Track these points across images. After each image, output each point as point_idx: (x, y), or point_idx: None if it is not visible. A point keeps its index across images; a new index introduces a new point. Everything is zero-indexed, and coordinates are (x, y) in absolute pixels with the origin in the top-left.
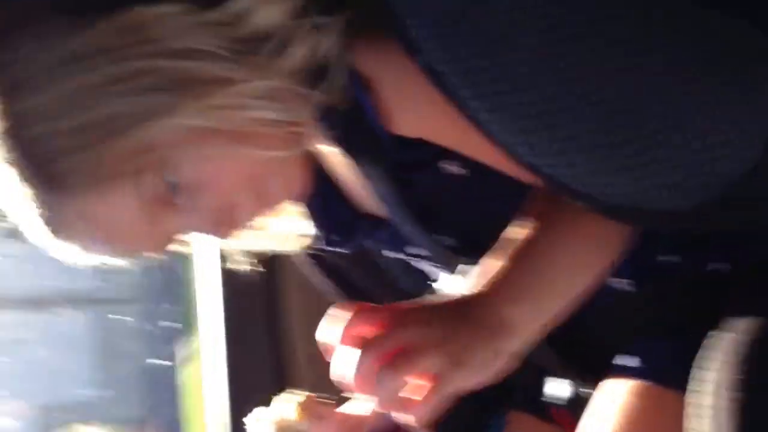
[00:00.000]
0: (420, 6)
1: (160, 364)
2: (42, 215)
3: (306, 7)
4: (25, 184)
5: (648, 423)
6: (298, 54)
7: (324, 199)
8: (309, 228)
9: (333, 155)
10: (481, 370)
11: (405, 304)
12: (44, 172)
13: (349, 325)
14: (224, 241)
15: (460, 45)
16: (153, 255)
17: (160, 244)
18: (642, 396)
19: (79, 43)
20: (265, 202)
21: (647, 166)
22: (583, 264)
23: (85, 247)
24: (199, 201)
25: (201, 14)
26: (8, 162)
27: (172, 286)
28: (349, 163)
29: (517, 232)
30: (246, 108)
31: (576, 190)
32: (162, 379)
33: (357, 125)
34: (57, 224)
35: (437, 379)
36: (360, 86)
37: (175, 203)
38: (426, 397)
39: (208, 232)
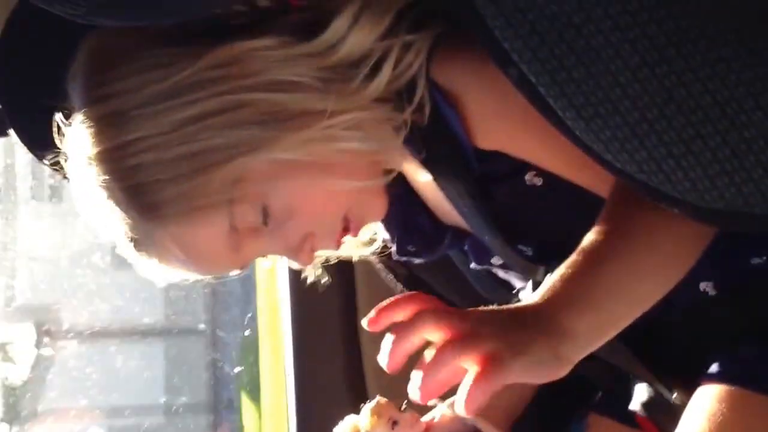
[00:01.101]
0: (511, 18)
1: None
2: (133, 239)
3: (395, 27)
4: (119, 209)
5: (742, 430)
6: (386, 76)
7: (406, 211)
8: (379, 235)
9: (419, 173)
10: (540, 366)
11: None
12: (140, 200)
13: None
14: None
15: (552, 56)
16: (234, 273)
17: (243, 265)
18: (734, 403)
19: (180, 77)
20: (347, 229)
21: (748, 170)
22: (652, 277)
23: (170, 268)
24: (285, 229)
25: (296, 47)
26: (104, 188)
27: (243, 293)
28: (432, 179)
29: (590, 241)
30: (337, 140)
31: (670, 196)
32: (233, 384)
33: (438, 139)
34: (146, 247)
35: (495, 363)
36: (444, 101)
37: (261, 231)
38: (482, 380)
39: (290, 258)
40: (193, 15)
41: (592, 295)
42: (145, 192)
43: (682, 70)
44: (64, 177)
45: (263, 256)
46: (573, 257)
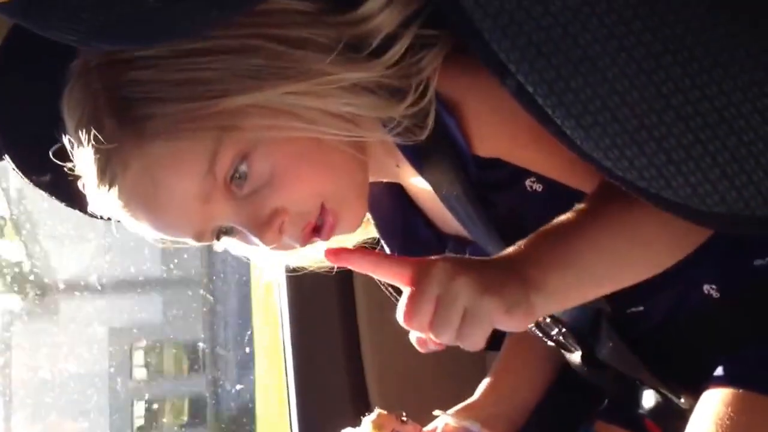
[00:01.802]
0: (507, 30)
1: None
2: (104, 163)
3: (414, 17)
4: (102, 122)
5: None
6: (396, 55)
7: (406, 221)
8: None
9: (418, 183)
10: (514, 308)
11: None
12: (128, 113)
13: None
14: (291, 258)
15: (549, 66)
16: (188, 241)
17: (202, 230)
18: (741, 405)
19: None
20: (318, 230)
21: (748, 173)
22: (626, 261)
23: (130, 208)
24: (260, 196)
25: (328, 14)
26: (95, 96)
27: (242, 310)
28: (431, 188)
29: (569, 213)
30: (332, 96)
31: (671, 200)
32: (234, 402)
33: (438, 146)
34: (115, 173)
35: (469, 310)
36: (444, 107)
37: (235, 194)
38: (464, 326)
39: (254, 231)
40: (195, 36)
41: (558, 259)
42: (137, 106)
43: (680, 77)
44: (60, 200)
45: (228, 223)
46: (549, 224)
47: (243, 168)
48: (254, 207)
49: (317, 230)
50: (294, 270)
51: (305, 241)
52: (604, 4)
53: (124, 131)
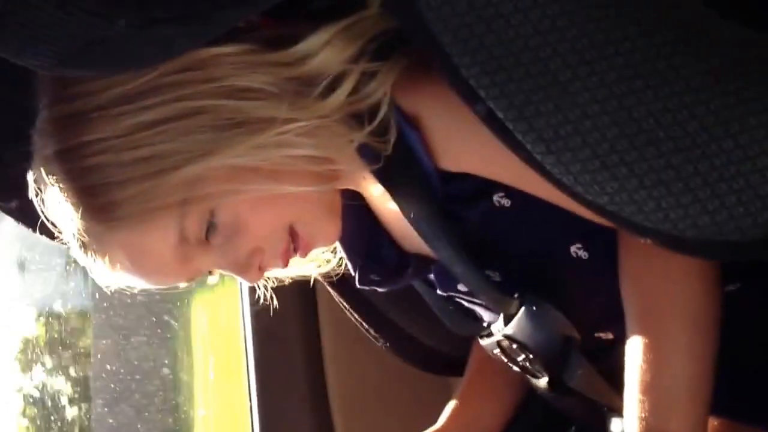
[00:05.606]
0: (477, 56)
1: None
2: (83, 242)
3: (361, 53)
4: (72, 209)
5: None
6: (343, 95)
7: (369, 239)
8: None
9: (382, 199)
10: None
11: None
12: (92, 202)
13: None
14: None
15: (519, 91)
16: (181, 285)
17: (190, 278)
18: None
19: (144, 80)
20: (296, 250)
21: (720, 198)
22: (695, 350)
23: (117, 274)
24: (233, 243)
25: (263, 55)
26: (59, 187)
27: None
28: (395, 204)
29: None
30: (289, 146)
31: (643, 226)
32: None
33: (400, 162)
34: (95, 252)
35: None
36: (407, 124)
37: (211, 245)
38: None
39: (236, 275)
40: (166, 60)
41: (675, 404)
42: (98, 194)
43: (651, 101)
44: (27, 226)
45: (212, 270)
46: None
47: (212, 221)
48: (231, 253)
49: (295, 249)
50: (256, 301)
51: (286, 262)
52: (575, 29)
53: (93, 219)
